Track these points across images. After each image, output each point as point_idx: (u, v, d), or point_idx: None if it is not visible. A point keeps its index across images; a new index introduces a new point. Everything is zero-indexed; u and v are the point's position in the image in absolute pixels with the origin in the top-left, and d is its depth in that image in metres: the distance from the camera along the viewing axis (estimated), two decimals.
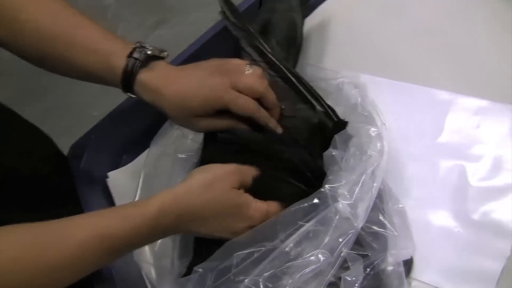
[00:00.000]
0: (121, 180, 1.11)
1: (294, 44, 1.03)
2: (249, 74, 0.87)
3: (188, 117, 0.86)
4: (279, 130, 0.90)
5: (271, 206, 0.83)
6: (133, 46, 0.86)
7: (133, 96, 0.87)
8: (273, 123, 0.89)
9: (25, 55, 0.89)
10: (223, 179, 0.81)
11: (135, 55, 0.85)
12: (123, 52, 0.86)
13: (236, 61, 0.90)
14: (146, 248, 0.95)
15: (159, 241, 0.95)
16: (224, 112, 0.87)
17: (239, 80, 0.86)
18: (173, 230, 0.82)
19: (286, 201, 0.83)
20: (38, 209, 1.01)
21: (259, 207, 0.82)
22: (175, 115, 0.87)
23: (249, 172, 0.85)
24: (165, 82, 0.86)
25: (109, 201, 1.09)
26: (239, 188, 0.82)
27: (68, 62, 0.87)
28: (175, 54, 1.06)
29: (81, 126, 1.11)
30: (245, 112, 0.86)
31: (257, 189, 0.85)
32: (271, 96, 0.89)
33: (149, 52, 0.86)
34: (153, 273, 0.94)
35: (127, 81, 0.85)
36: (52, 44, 0.86)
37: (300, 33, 1.04)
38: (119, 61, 0.85)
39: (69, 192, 1.05)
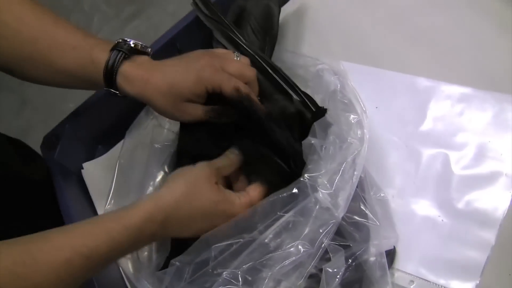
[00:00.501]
0: (96, 172, 1.10)
1: (270, 32, 1.01)
2: (238, 60, 0.88)
3: (178, 103, 0.84)
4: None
5: (254, 194, 0.82)
6: (117, 41, 0.86)
7: (115, 92, 0.86)
8: (262, 110, 0.87)
9: (3, 60, 0.88)
10: (201, 177, 0.80)
11: (119, 47, 0.85)
12: (106, 46, 0.86)
13: (223, 50, 0.90)
14: None
15: None
16: (212, 101, 0.86)
17: (230, 64, 0.85)
18: (160, 237, 0.81)
19: (270, 178, 0.84)
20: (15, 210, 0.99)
21: (242, 203, 0.81)
22: (163, 104, 0.85)
23: (220, 161, 0.84)
24: (150, 71, 0.85)
25: (84, 193, 1.07)
26: (218, 181, 0.82)
27: (49, 63, 0.86)
28: None
29: (57, 118, 1.09)
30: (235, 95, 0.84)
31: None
32: (256, 87, 0.88)
33: (132, 45, 0.86)
34: (130, 267, 0.92)
35: (110, 74, 0.84)
36: (34, 45, 0.86)
37: (277, 22, 1.02)
38: (102, 54, 0.85)
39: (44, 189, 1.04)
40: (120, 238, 0.72)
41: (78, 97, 1.08)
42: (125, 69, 0.84)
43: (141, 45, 0.88)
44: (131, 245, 0.75)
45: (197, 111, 0.85)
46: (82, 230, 0.73)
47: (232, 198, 0.81)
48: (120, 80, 0.84)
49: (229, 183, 0.88)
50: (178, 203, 0.77)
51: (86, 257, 0.70)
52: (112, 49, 0.85)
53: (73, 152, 1.09)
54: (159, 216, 0.75)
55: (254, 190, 0.83)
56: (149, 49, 0.89)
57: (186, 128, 0.91)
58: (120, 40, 0.86)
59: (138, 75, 0.84)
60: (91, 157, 1.13)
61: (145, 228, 0.74)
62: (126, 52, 0.84)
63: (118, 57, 0.84)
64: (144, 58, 0.87)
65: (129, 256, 0.91)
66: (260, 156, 0.85)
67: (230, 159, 0.85)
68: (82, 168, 1.10)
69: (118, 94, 0.86)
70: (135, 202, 0.76)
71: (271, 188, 0.82)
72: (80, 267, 0.70)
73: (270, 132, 0.83)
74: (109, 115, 1.10)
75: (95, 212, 1.05)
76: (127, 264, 0.92)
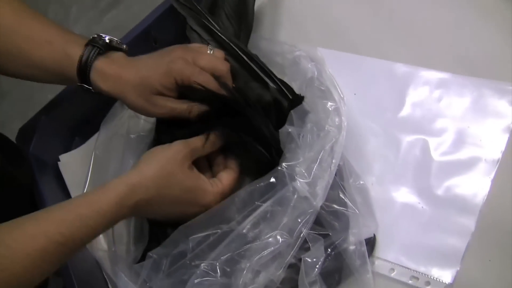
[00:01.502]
0: (73, 163, 1.08)
1: (245, 19, 1.00)
2: (211, 54, 0.87)
3: (148, 96, 0.84)
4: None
5: (227, 183, 0.83)
6: (92, 36, 0.86)
7: (89, 87, 0.86)
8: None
9: None
10: (174, 160, 0.79)
11: (93, 43, 0.85)
12: (81, 41, 0.86)
13: (197, 44, 0.90)
14: (100, 235, 0.92)
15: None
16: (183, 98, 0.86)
17: (202, 57, 0.85)
18: (129, 217, 0.82)
19: (250, 166, 0.85)
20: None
21: (215, 191, 0.81)
22: (135, 98, 0.84)
23: (198, 141, 0.83)
24: (124, 67, 0.85)
25: (61, 186, 1.06)
26: (193, 162, 0.82)
27: (24, 56, 0.86)
28: None
29: (36, 109, 1.09)
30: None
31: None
32: (229, 82, 0.87)
33: (107, 41, 0.86)
34: (107, 260, 0.92)
35: (84, 69, 0.84)
36: (10, 38, 0.86)
37: (252, 9, 1.01)
38: (76, 49, 0.85)
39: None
40: (93, 224, 0.73)
41: (56, 88, 1.07)
42: (99, 65, 0.84)
43: (117, 41, 0.88)
44: (104, 228, 0.75)
45: (168, 105, 0.85)
46: (55, 217, 0.72)
47: (204, 186, 0.81)
48: (93, 76, 0.84)
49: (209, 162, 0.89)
50: (148, 188, 0.77)
51: (61, 244, 0.70)
52: (87, 45, 0.85)
53: (49, 144, 1.07)
54: (130, 201, 0.75)
55: (227, 179, 0.83)
56: (125, 46, 0.89)
57: (163, 119, 0.90)
58: (96, 36, 0.86)
59: (111, 71, 0.84)
60: (67, 149, 1.11)
61: (117, 212, 0.75)
62: (100, 48, 0.84)
63: (92, 52, 0.84)
64: (119, 54, 0.87)
65: (106, 249, 0.91)
66: (242, 143, 0.84)
67: (208, 139, 0.84)
68: (59, 160, 1.09)
69: (92, 90, 0.86)
70: (106, 185, 0.76)
71: (248, 175, 0.82)
72: (55, 253, 0.70)
73: (252, 121, 0.82)
74: (85, 106, 1.08)
75: None
76: (104, 258, 0.91)
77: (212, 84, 0.83)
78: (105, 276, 0.94)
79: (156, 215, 0.83)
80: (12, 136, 1.12)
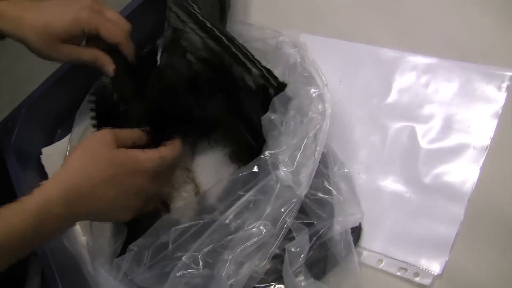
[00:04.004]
0: (55, 156, 1.07)
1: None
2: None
3: (53, 43, 0.85)
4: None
5: (163, 149, 0.80)
6: None
7: None
8: (131, 58, 0.90)
9: None
10: (100, 144, 0.76)
11: None
12: None
13: None
14: (79, 230, 0.92)
15: None
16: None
17: (108, 9, 0.88)
18: (71, 219, 0.75)
19: (237, 150, 0.86)
20: None
21: (150, 157, 0.78)
22: (38, 43, 0.85)
23: (122, 132, 0.80)
24: (26, 10, 0.85)
25: (44, 179, 1.03)
26: (120, 146, 0.78)
27: None
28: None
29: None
30: (113, 37, 0.86)
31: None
32: (129, 42, 0.89)
33: None
34: (87, 255, 0.91)
35: None
36: None
37: None
38: None
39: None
40: (20, 224, 0.68)
41: (44, 78, 1.06)
42: None
43: None
44: (36, 231, 0.69)
45: (73, 53, 0.86)
46: None
47: (135, 154, 0.77)
48: None
49: None
50: (76, 179, 0.72)
51: None
52: None
53: (31, 137, 1.07)
54: (60, 198, 0.71)
55: (163, 147, 0.81)
56: None
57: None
58: None
59: (12, 13, 0.84)
60: (50, 141, 1.10)
61: (45, 211, 0.69)
62: None
63: None
64: None
65: (84, 243, 0.90)
66: (234, 128, 0.85)
67: (134, 132, 0.82)
68: (41, 153, 1.07)
69: None
70: (37, 187, 0.72)
71: (238, 162, 0.84)
72: None
73: (243, 106, 0.82)
74: (67, 97, 1.08)
75: None
76: (84, 253, 0.90)
77: (119, 35, 0.86)
78: (85, 272, 0.91)
79: (101, 208, 0.76)
80: None
